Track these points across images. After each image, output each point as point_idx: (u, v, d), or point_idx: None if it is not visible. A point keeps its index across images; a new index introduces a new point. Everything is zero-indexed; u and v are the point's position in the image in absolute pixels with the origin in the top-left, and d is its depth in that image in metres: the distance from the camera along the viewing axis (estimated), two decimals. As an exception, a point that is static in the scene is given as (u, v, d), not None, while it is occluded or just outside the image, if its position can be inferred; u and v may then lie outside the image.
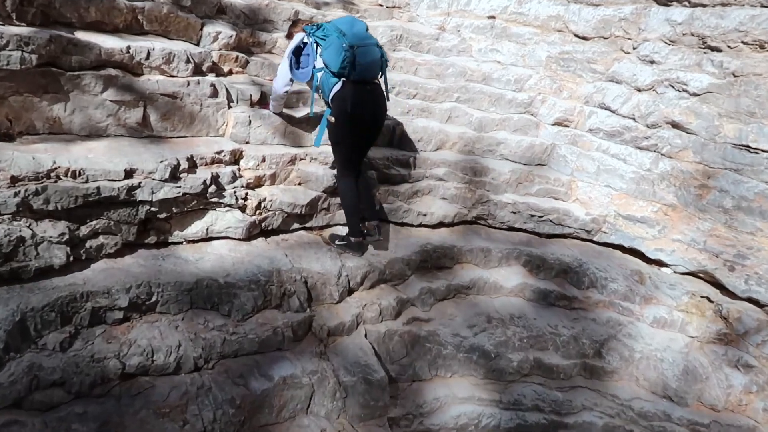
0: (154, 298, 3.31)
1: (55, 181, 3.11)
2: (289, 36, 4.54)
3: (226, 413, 3.06)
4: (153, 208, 3.55)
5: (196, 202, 3.80)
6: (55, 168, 3.15)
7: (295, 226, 4.52)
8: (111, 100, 3.77)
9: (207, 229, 3.95)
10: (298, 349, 3.61)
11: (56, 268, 3.10)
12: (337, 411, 3.46)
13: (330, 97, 3.99)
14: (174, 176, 3.64)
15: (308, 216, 4.56)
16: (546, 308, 4.89)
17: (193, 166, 3.87)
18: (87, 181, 3.24)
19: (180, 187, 3.63)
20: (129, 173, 3.43)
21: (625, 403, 4.44)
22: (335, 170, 4.41)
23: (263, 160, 4.38)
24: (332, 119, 3.97)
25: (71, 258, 3.18)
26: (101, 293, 3.10)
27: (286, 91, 4.28)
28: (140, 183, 3.44)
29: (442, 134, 5.60)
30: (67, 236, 3.15)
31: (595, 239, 5.53)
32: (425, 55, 6.39)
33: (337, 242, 4.28)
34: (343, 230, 4.52)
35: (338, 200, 4.64)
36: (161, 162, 3.56)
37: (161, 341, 3.17)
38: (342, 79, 3.88)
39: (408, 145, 5.46)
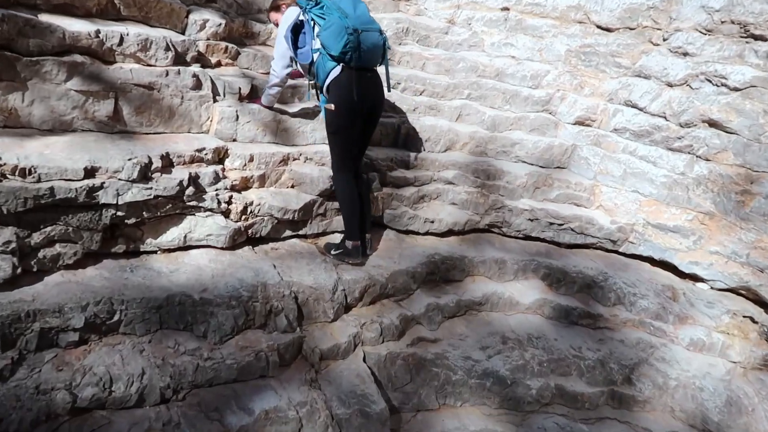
0: (116, 317, 2.88)
1: (0, 180, 2.68)
2: (274, 12, 4.08)
3: (196, 455, 2.61)
4: (119, 213, 3.12)
5: (171, 206, 3.37)
6: (0, 165, 2.73)
7: (287, 233, 4.09)
8: (76, 90, 3.36)
9: (185, 237, 3.52)
10: (284, 376, 3.16)
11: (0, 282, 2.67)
12: (329, 449, 3.00)
13: (326, 84, 3.57)
14: (144, 176, 3.21)
15: (302, 222, 4.13)
16: (568, 327, 4.42)
17: (168, 165, 3.44)
18: (39, 181, 2.82)
19: (151, 188, 3.20)
20: (90, 172, 3.01)
21: (659, 437, 3.94)
22: (331, 168, 3.98)
23: (251, 160, 3.95)
24: (331, 107, 3.54)
25: (19, 270, 2.75)
26: (52, 312, 2.67)
27: (288, 74, 3.86)
28: (103, 183, 3.01)
29: (451, 133, 5.18)
30: (14, 244, 2.73)
31: (621, 250, 5.07)
32: (433, 49, 5.98)
33: (333, 252, 3.84)
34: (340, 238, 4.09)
35: (336, 205, 4.21)
36: (129, 160, 3.14)
37: (122, 368, 2.73)
38: (341, 64, 3.49)
39: (414, 145, 5.04)
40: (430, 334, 3.97)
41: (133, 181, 3.16)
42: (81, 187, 2.95)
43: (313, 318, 3.57)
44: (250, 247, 3.85)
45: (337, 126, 3.69)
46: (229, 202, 3.70)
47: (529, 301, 4.49)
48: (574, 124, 5.43)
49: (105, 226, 3.12)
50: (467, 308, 4.32)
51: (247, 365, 3.03)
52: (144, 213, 3.27)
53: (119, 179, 3.11)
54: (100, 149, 3.24)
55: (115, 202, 3.09)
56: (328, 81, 3.61)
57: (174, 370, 2.83)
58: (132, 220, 3.23)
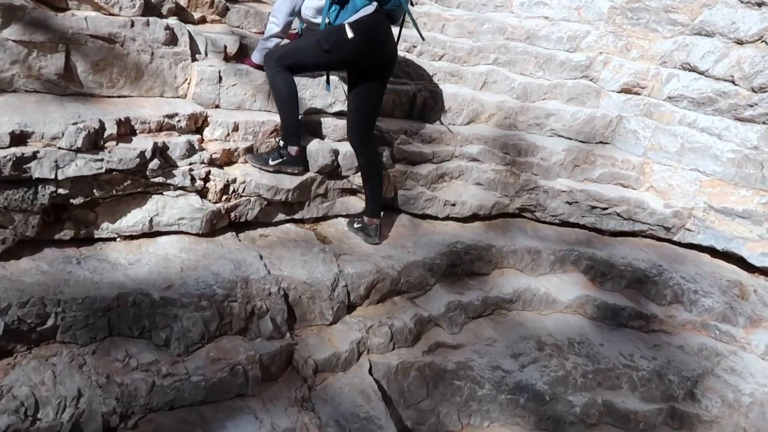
0: (50, 322, 2.27)
1: None
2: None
3: (146, 503, 1.99)
4: (61, 190, 2.50)
5: (131, 182, 2.75)
6: None
7: (280, 217, 3.45)
8: (16, 41, 2.74)
9: (150, 221, 2.90)
10: (268, 394, 2.53)
11: None
12: (324, 488, 2.37)
13: (349, 20, 3.12)
14: (94, 145, 2.59)
15: (298, 204, 3.49)
16: (615, 330, 3.75)
17: (128, 132, 2.82)
18: (-53, 147, 2.20)
19: (102, 160, 2.57)
20: (19, 138, 2.39)
21: (731, 466, 3.25)
22: (354, 142, 3.42)
23: (235, 129, 3.32)
24: (350, 33, 3.10)
25: None
26: (-40, 316, 2.05)
27: (290, 23, 3.37)
28: (37, 153, 2.40)
29: (475, 103, 4.50)
30: None
31: (675, 239, 4.36)
32: (454, 10, 5.28)
33: (271, 162, 3.30)
34: (353, 223, 3.62)
35: (341, 185, 3.58)
36: (74, 124, 2.51)
37: (52, 389, 2.13)
38: (374, 2, 3.11)
39: (432, 116, 4.37)
40: (451, 338, 3.31)
41: (78, 151, 2.54)
42: (6, 157, 2.34)
43: (308, 320, 2.93)
44: (234, 233, 3.22)
45: (341, 56, 3.19)
46: (206, 179, 3.07)
47: (569, 298, 3.81)
48: (620, 92, 4.71)
49: (43, 206, 2.50)
50: (495, 307, 3.67)
51: (219, 382, 2.40)
52: (95, 191, 2.65)
53: (59, 148, 2.49)
54: (39, 112, 2.61)
55: (53, 176, 2.47)
56: (353, 18, 3.12)
57: (122, 390, 2.21)
58: (80, 200, 2.61)
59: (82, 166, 2.56)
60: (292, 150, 3.28)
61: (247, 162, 3.31)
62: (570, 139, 4.66)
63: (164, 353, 2.43)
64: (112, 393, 2.22)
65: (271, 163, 3.27)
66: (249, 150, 3.37)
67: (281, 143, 3.30)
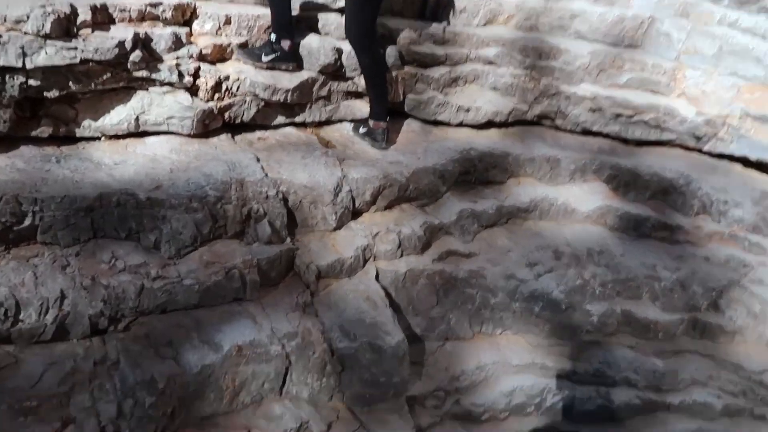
0: (27, 221, 2.12)
1: None
2: None
3: (140, 404, 1.91)
4: (32, 81, 2.28)
5: (111, 75, 2.51)
6: None
7: (279, 119, 3.21)
8: None
9: (136, 120, 2.68)
10: (268, 300, 2.39)
11: None
12: (328, 391, 2.28)
13: None
14: (66, 32, 2.33)
15: (299, 107, 3.24)
16: (637, 241, 3.54)
17: (106, 21, 2.56)
18: None
19: (76, 49, 2.31)
20: (-22, 18, 2.12)
21: (754, 376, 3.15)
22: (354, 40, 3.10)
23: (227, 23, 3.03)
24: None
25: None
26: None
27: None
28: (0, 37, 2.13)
29: (493, 3, 4.12)
30: None
31: (705, 149, 4.06)
32: None
33: (264, 57, 3.02)
34: (358, 127, 3.37)
35: (344, 88, 3.36)
36: (40, 7, 2.23)
37: (33, 290, 1.99)
38: None
39: (445, 16, 4.00)
40: (463, 247, 3.13)
41: (47, 37, 2.29)
42: (-36, 39, 2.08)
43: (309, 226, 2.75)
44: (230, 135, 3.00)
45: None
46: (195, 76, 2.82)
47: (589, 208, 3.58)
48: (653, -10, 4.25)
49: (14, 99, 2.28)
50: (510, 216, 3.46)
51: (214, 286, 2.26)
52: (71, 84, 2.42)
53: (24, 33, 2.23)
54: (3, -8, 2.33)
55: (21, 64, 2.24)
56: None
57: (108, 292, 2.07)
58: (55, 93, 2.39)
59: (52, 54, 2.32)
60: (285, 44, 2.98)
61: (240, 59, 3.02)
62: (596, 41, 4.26)
63: (154, 256, 2.27)
64: (98, 295, 2.07)
65: (264, 59, 3.00)
66: (243, 46, 3.07)
67: (273, 37, 3.00)
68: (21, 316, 1.98)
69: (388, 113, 3.29)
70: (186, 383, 2.01)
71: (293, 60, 3.06)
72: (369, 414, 2.29)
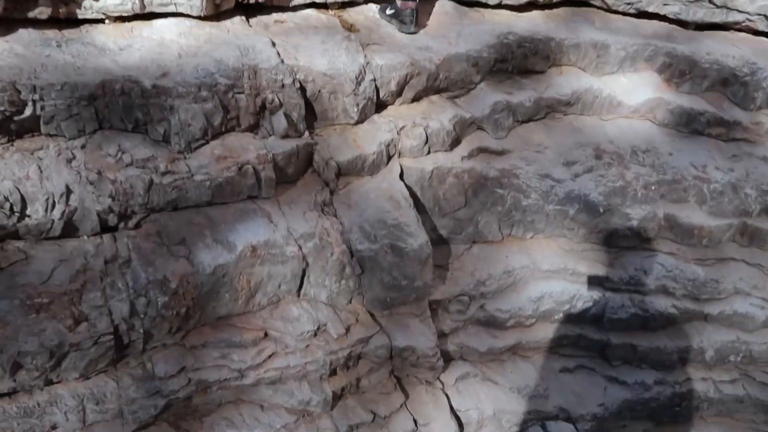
0: (28, 111, 1.98)
1: None
2: None
3: (153, 303, 1.86)
4: (19, -48, 2.01)
5: (107, -56, 2.21)
6: None
7: (298, 0, 2.88)
8: None
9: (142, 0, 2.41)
10: (284, 197, 2.26)
11: None
12: (347, 294, 2.21)
13: None
14: None
15: (320, -15, 2.89)
16: (689, 138, 3.26)
17: None
18: None
19: None
20: None
21: (801, 287, 2.95)
22: None
23: None
24: None
25: None
26: None
27: None
28: None
29: None
30: None
31: (778, 32, 3.56)
32: None
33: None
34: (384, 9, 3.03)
35: None
36: None
37: (38, 184, 1.89)
38: None
39: None
40: (496, 143, 2.90)
41: None
42: None
43: (329, 119, 2.55)
44: (243, 17, 2.74)
45: None
46: (202, -54, 2.48)
47: (638, 101, 3.28)
48: None
49: (1, -28, 2.04)
50: (549, 110, 3.19)
51: (226, 183, 2.13)
52: (64, -45, 2.14)
53: None
54: None
55: (4, -70, 1.96)
56: None
57: (116, 188, 1.97)
58: (47, -34, 2.12)
59: None
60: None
61: None
62: None
63: (163, 149, 2.14)
64: (105, 190, 1.97)
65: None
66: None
67: None
68: (27, 212, 1.90)
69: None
70: (199, 283, 1.95)
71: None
72: (389, 318, 2.23)
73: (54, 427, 1.80)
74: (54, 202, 1.91)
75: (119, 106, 2.11)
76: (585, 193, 2.85)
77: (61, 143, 2.07)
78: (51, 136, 2.09)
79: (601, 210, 2.82)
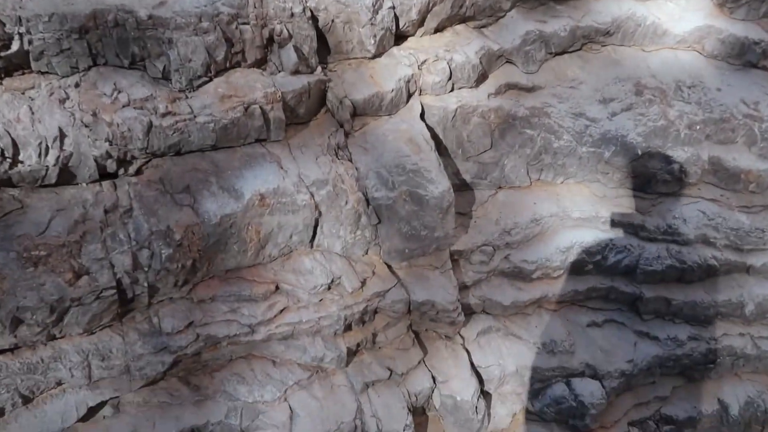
0: (15, 46, 1.85)
1: None
2: None
3: (157, 255, 1.77)
4: None
5: None
6: None
7: None
8: None
9: None
10: (296, 140, 2.13)
11: None
12: (363, 245, 2.11)
13: None
14: None
15: None
16: (740, 72, 3.01)
17: None
18: None
19: None
20: None
21: None
22: None
23: None
24: None
25: None
26: None
27: None
28: None
29: None
30: None
31: None
32: None
33: None
34: None
35: None
36: None
37: (30, 128, 1.78)
38: None
39: None
40: (526, 78, 2.70)
41: None
42: None
43: (343, 52, 2.37)
44: (248, -64, 2.46)
45: None
46: None
47: (685, 29, 3.02)
48: None
49: None
50: (586, 40, 2.95)
51: (232, 125, 1.99)
52: None
53: None
54: None
55: None
56: None
57: (112, 131, 1.84)
58: None
59: None
60: None
61: None
62: None
63: (162, 88, 1.99)
64: (101, 133, 1.85)
65: None
66: None
67: None
68: (20, 157, 1.79)
69: None
70: (205, 234, 1.85)
71: None
72: (407, 270, 2.13)
73: (59, 383, 1.77)
74: (47, 146, 1.81)
75: (113, 40, 1.96)
76: (622, 134, 2.66)
77: (53, 81, 1.93)
78: (42, 73, 1.95)
79: (640, 152, 2.64)
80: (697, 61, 3.07)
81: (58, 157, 1.82)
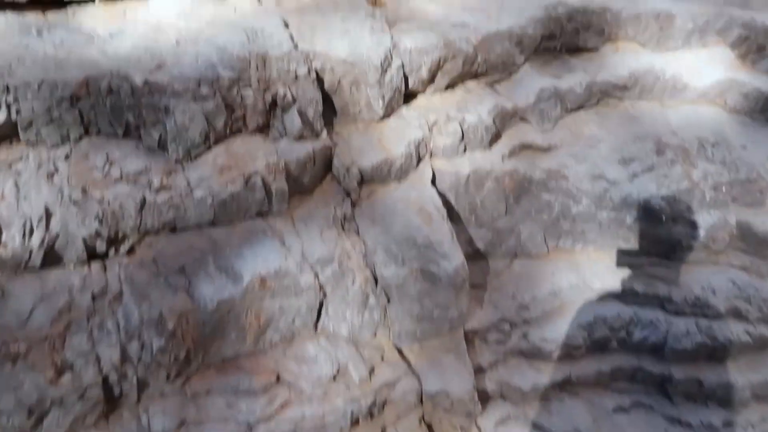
0: (2, 116, 1.76)
1: None
2: None
3: (148, 347, 1.66)
4: None
5: None
6: None
7: (314, -31, 2.57)
8: None
9: (131, -26, 2.12)
10: (299, 212, 2.02)
11: None
12: (371, 327, 1.99)
13: None
14: None
15: (339, -52, 2.56)
16: (765, 129, 2.94)
17: None
18: None
19: None
20: None
21: None
22: None
23: None
24: None
25: None
26: None
27: None
28: None
29: None
30: None
31: None
32: None
33: None
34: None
35: None
36: None
37: (14, 206, 1.67)
38: None
39: None
40: (542, 138, 2.61)
41: None
42: None
43: (350, 114, 2.28)
44: (252, -8, 2.42)
45: None
46: None
47: (706, 83, 2.95)
48: None
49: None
50: (603, 95, 2.88)
51: (231, 199, 1.89)
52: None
53: None
54: None
55: None
56: None
57: (103, 209, 1.74)
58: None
59: None
60: None
61: None
62: None
63: (158, 159, 1.89)
64: (91, 211, 1.74)
65: None
66: None
67: None
68: (3, 238, 1.67)
69: None
70: (201, 322, 1.74)
71: None
72: (419, 353, 2.00)
73: (37, 494, 1.63)
74: (32, 227, 1.69)
75: (107, 108, 1.87)
76: (645, 198, 2.56)
77: (42, 153, 1.84)
78: (31, 144, 1.86)
79: (664, 218, 2.53)
80: (719, 116, 3.00)
81: (44, 238, 1.71)
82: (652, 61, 2.99)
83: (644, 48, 3.07)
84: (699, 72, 3.01)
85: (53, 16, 2.16)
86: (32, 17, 2.12)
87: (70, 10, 2.21)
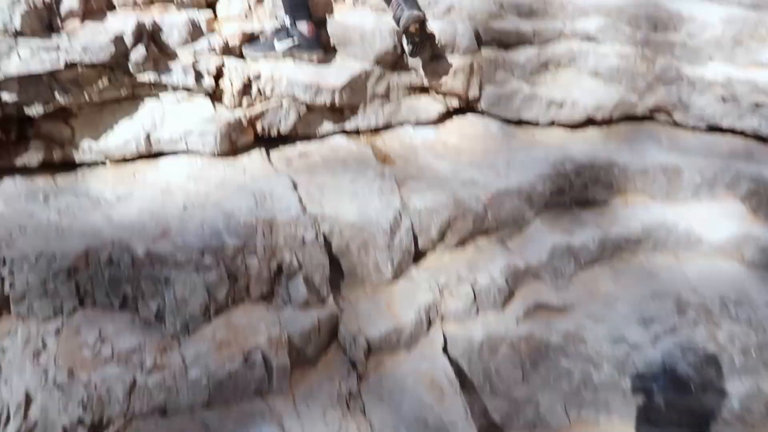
0: (-8, 291, 1.64)
1: None
2: None
3: None
4: (6, 95, 1.85)
5: (109, 82, 2.00)
6: None
7: (326, 128, 2.68)
8: None
9: (147, 138, 2.19)
10: (302, 389, 1.88)
11: None
12: None
13: None
14: (49, 26, 1.81)
15: (349, 110, 2.69)
16: (788, 284, 2.78)
17: (102, 8, 2.00)
18: None
19: (59, 48, 1.81)
20: None
21: None
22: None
23: (260, 0, 2.43)
24: None
25: None
26: None
27: None
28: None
29: (595, -41, 3.32)
30: None
31: None
32: None
33: (277, 41, 2.46)
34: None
35: (407, 81, 2.80)
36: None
37: (-8, 391, 1.52)
38: None
39: (533, -21, 3.27)
40: (557, 297, 2.51)
41: (19, 35, 1.76)
42: None
43: (358, 277, 2.21)
44: (264, 151, 2.48)
45: None
46: (218, 75, 2.25)
47: (720, 237, 2.90)
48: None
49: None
50: (616, 249, 2.82)
51: (228, 378, 1.76)
52: (58, 95, 1.93)
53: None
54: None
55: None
56: None
57: (88, 393, 1.60)
58: (38, 110, 1.89)
59: (28, 58, 1.82)
60: (303, 27, 2.37)
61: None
62: (732, 3, 3.43)
63: (153, 333, 1.79)
64: (75, 396, 1.61)
65: (277, 47, 2.41)
66: (252, 39, 2.49)
67: (287, 19, 2.40)
68: (-25, 429, 1.52)
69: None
70: None
71: (316, 46, 2.46)
72: None
73: None
74: (9, 416, 1.55)
75: (105, 280, 1.80)
76: (669, 363, 2.40)
77: (31, 327, 1.75)
78: (21, 317, 1.76)
79: (692, 387, 2.36)
80: (737, 271, 2.91)
81: (20, 428, 1.56)
82: (663, 214, 2.96)
83: (654, 200, 3.05)
84: (713, 225, 2.97)
85: (63, 178, 2.16)
86: (42, 180, 2.12)
87: (80, 171, 2.22)
